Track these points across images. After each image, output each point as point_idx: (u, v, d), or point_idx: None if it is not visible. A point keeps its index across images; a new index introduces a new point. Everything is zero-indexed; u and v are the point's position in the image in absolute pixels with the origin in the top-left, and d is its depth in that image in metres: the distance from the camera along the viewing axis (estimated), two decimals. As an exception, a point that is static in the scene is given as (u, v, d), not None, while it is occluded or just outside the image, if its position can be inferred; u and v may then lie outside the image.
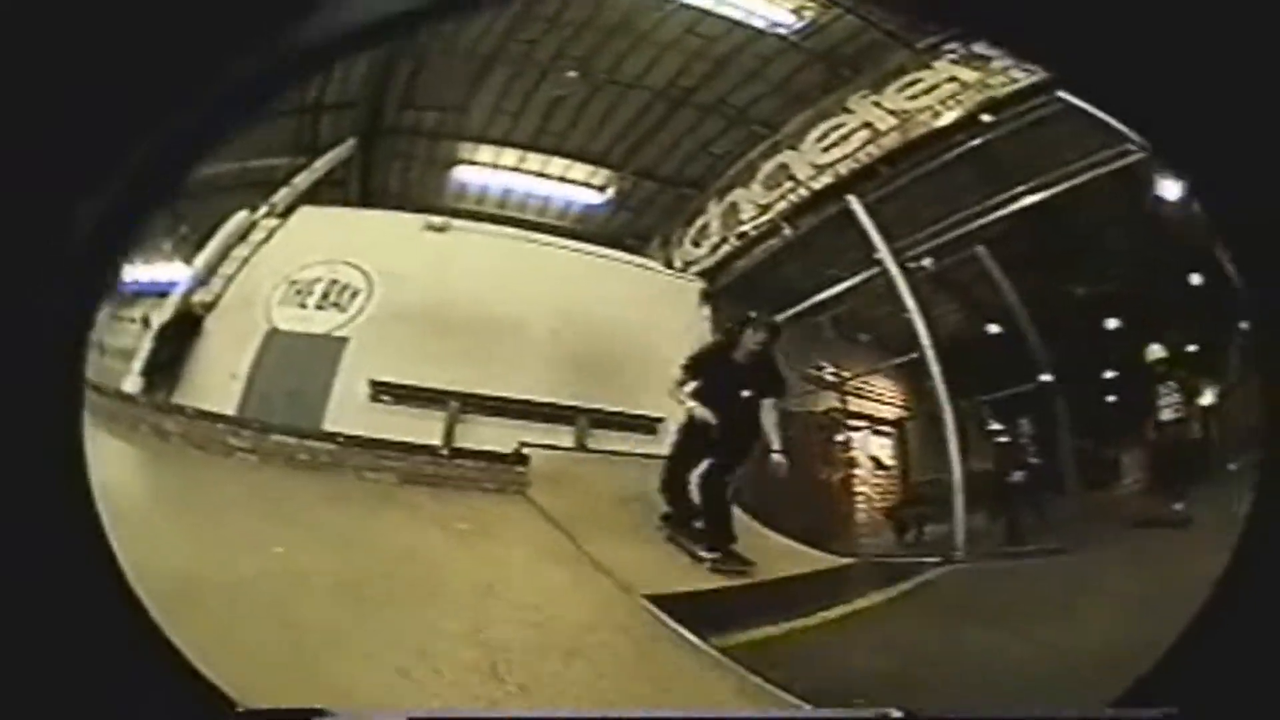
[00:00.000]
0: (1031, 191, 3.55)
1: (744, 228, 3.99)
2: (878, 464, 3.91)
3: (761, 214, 3.97)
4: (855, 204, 3.74)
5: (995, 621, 2.71)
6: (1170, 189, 3.60)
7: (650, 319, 3.78)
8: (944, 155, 3.73)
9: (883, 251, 3.67)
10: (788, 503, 3.42)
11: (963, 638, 2.65)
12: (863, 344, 3.93)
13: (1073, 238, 3.84)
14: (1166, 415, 3.61)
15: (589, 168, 4.22)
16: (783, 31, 3.95)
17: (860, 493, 3.80)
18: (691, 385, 3.52)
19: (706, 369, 3.58)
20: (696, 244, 4.10)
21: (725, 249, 4.01)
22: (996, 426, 3.75)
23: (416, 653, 2.06)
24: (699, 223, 4.11)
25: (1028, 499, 3.56)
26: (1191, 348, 3.72)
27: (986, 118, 3.70)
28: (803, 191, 3.94)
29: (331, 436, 3.04)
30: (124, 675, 1.31)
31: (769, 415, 3.49)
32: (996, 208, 3.61)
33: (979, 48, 3.72)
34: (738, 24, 3.91)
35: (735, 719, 2.16)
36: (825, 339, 3.83)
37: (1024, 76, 3.60)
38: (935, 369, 3.53)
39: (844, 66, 4.00)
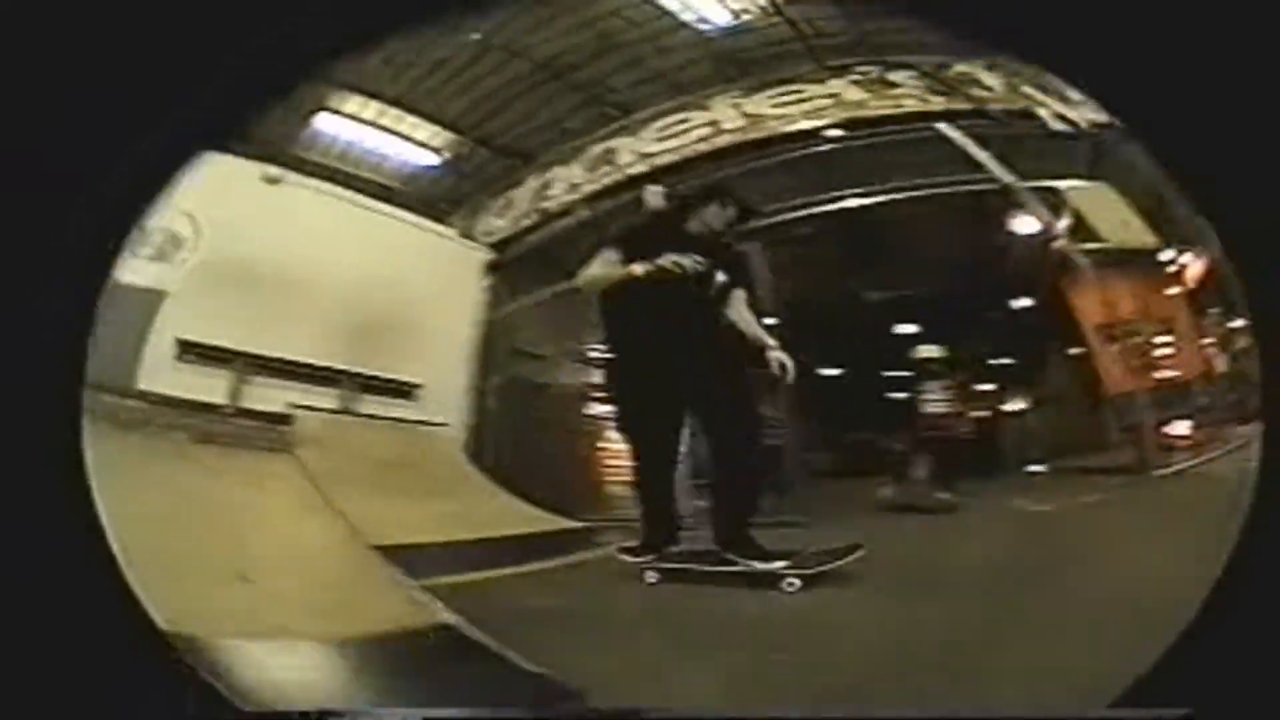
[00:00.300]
0: (843, 199, 4.52)
1: (546, 205, 4.90)
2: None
3: (568, 193, 4.87)
4: (648, 192, 4.65)
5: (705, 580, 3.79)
6: (1023, 224, 4.69)
7: (436, 286, 4.66)
8: (774, 158, 4.63)
9: (663, 237, 4.47)
10: (535, 470, 4.53)
11: (665, 590, 3.85)
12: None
13: (886, 249, 4.81)
14: (935, 410, 4.83)
15: (433, 129, 5.03)
16: (705, 27, 4.61)
17: (609, 465, 4.68)
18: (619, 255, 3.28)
19: (648, 246, 3.42)
20: (500, 216, 5.00)
21: (524, 223, 4.93)
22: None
23: (197, 568, 3.39)
24: (509, 195, 5.01)
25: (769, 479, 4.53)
26: (1004, 360, 4.92)
27: (834, 132, 4.57)
28: (617, 176, 4.84)
29: (144, 395, 3.97)
30: (124, 675, 1.49)
31: (742, 308, 3.59)
32: (802, 207, 4.62)
33: (894, 75, 4.53)
34: (666, 13, 4.57)
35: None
36: (590, 317, 4.31)
37: (916, 105, 4.47)
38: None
39: (731, 67, 4.74)
